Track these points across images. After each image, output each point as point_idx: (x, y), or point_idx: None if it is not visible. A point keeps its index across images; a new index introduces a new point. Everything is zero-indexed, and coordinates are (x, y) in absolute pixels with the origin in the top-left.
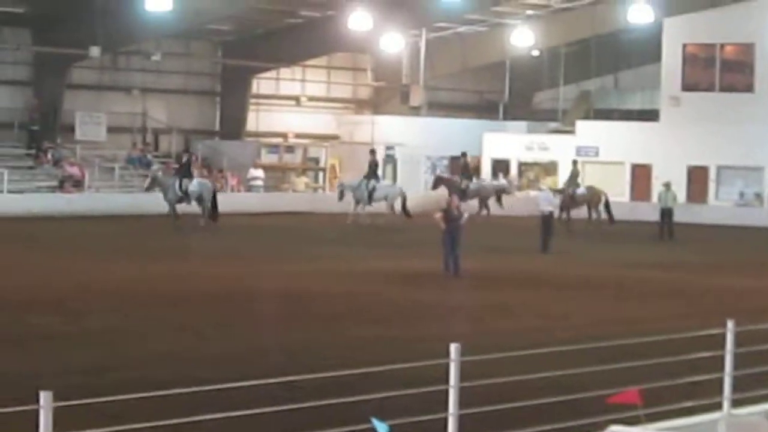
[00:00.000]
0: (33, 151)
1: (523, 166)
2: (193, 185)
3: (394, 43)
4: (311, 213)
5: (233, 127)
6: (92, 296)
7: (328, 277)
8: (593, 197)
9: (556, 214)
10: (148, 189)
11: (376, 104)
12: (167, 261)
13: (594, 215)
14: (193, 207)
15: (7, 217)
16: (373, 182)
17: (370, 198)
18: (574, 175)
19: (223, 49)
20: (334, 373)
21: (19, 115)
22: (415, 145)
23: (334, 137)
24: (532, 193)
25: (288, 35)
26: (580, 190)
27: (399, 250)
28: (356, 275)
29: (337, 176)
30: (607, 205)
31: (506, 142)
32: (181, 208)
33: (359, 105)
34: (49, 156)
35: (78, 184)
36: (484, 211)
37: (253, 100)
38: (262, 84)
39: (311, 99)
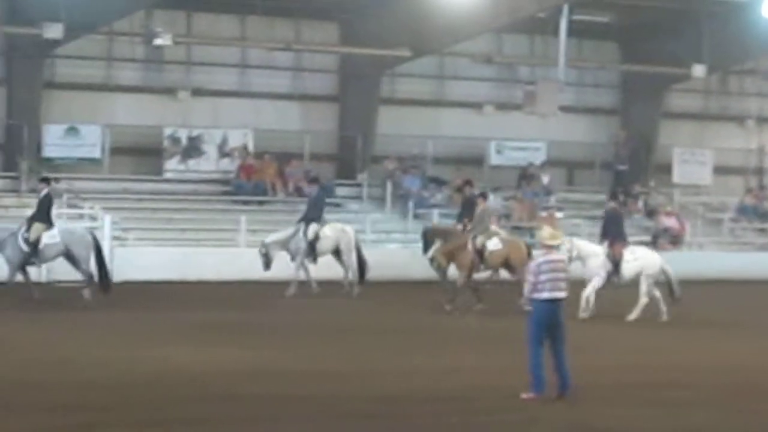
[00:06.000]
0: (620, 197)
1: None
2: (51, 236)
3: None
4: None
5: None
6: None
7: None
8: (511, 254)
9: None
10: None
11: None
12: None
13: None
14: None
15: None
16: (314, 226)
17: (313, 250)
18: (483, 215)
19: None
20: None
21: (603, 151)
22: None
23: None
24: None
25: None
26: (493, 243)
27: None
28: None
29: None
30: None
31: None
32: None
33: None
34: (640, 204)
35: (676, 239)
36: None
37: None
38: None
39: None
